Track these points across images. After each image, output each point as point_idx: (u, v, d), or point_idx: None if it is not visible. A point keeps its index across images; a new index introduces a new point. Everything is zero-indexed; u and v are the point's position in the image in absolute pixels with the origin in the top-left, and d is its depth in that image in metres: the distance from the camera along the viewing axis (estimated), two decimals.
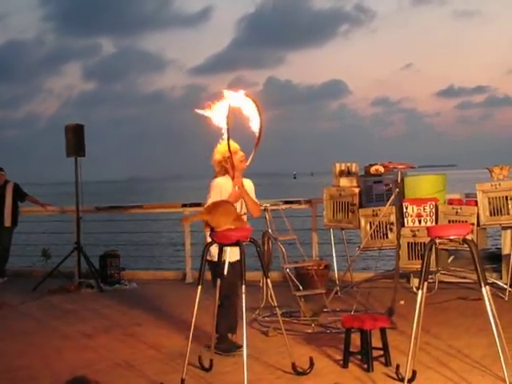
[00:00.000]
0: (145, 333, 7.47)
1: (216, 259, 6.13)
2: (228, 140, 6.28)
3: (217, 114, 6.25)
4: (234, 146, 6.44)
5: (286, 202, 10.31)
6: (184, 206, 11.16)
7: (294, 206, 10.54)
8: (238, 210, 6.30)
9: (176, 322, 7.81)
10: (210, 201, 6.33)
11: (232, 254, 6.23)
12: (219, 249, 5.89)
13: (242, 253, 5.59)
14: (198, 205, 9.81)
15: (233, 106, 6.21)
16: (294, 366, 5.80)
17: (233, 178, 6.43)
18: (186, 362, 5.64)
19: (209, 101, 6.29)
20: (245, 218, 6.44)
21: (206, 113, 6.28)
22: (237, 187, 6.41)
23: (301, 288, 8.02)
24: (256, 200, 6.65)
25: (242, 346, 5.56)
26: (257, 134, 6.37)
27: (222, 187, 6.46)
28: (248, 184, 6.63)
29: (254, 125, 6.35)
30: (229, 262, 6.28)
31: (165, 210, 12.32)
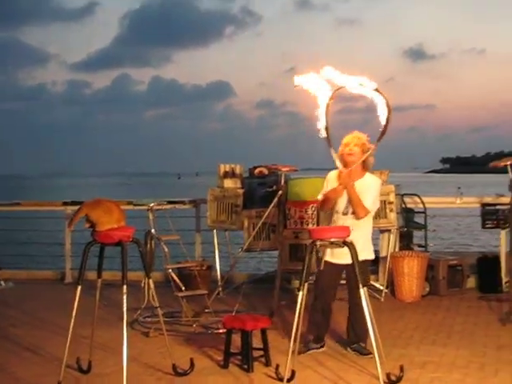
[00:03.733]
0: (21, 334, 7.23)
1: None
2: (327, 129, 5.99)
3: (318, 89, 5.96)
4: (348, 138, 6.16)
5: (170, 202, 10.23)
6: (65, 204, 10.88)
7: (178, 206, 10.48)
8: (342, 207, 6.13)
9: (54, 323, 7.60)
10: (320, 194, 6.28)
11: (346, 256, 5.74)
12: (100, 249, 5.74)
13: (123, 253, 5.51)
14: (80, 203, 9.59)
15: (334, 94, 5.95)
16: (174, 366, 5.77)
17: (340, 173, 6.16)
18: (64, 365, 5.51)
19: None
20: (351, 217, 6.19)
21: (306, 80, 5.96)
22: (340, 184, 6.14)
23: (183, 288, 7.99)
24: (370, 199, 6.17)
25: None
26: (382, 129, 5.98)
27: (328, 181, 6.27)
28: (366, 182, 6.23)
29: (382, 119, 5.95)
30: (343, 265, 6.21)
31: (44, 208, 11.98)
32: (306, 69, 6.09)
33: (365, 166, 6.30)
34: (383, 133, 6.00)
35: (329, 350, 6.43)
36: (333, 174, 6.34)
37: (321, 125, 6.02)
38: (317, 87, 6.00)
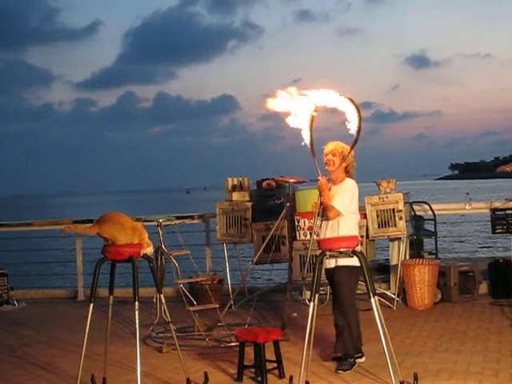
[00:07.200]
0: (35, 353, 7.25)
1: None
2: (311, 142, 6.11)
3: (298, 112, 6.10)
4: (326, 148, 6.37)
5: (179, 217, 10.27)
6: (76, 222, 10.92)
7: (187, 221, 10.52)
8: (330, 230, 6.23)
9: (67, 341, 7.63)
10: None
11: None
12: (111, 266, 5.74)
13: (134, 269, 5.52)
14: (91, 221, 9.63)
15: (318, 107, 6.06)
16: (188, 381, 5.77)
17: (319, 181, 6.34)
18: (78, 382, 5.52)
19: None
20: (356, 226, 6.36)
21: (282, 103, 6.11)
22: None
23: (195, 303, 8.00)
24: (339, 198, 6.25)
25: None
26: (355, 138, 6.10)
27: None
28: (343, 185, 6.37)
29: (352, 127, 6.05)
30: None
31: (55, 227, 12.01)
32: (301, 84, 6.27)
33: (347, 172, 6.42)
34: (356, 140, 6.14)
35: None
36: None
37: (306, 140, 6.17)
38: (294, 106, 6.16)
